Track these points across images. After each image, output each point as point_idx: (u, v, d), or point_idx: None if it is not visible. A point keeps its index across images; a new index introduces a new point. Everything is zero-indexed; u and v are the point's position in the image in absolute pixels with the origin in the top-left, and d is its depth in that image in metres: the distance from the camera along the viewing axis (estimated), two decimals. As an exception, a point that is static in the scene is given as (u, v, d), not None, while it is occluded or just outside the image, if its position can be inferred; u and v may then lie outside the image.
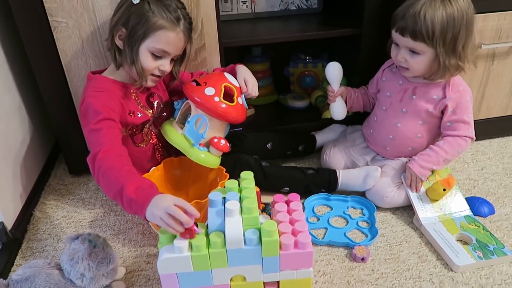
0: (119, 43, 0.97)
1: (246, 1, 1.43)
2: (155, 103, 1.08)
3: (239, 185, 0.85)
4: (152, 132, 1.08)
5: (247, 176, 0.87)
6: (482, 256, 0.94)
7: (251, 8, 1.45)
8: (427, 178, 1.10)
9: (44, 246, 1.03)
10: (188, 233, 0.75)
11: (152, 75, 1.01)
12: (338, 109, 1.21)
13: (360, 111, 1.29)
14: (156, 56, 0.97)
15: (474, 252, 0.95)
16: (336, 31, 1.33)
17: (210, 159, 1.01)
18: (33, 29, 1.06)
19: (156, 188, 0.83)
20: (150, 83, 1.03)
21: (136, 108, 1.04)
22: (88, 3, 1.05)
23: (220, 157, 1.04)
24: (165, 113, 1.11)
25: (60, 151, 1.40)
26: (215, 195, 0.80)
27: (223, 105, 1.00)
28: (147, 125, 1.06)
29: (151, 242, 1.04)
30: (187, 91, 1.01)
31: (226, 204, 0.78)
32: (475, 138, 1.10)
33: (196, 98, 0.99)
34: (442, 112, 1.10)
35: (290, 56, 1.61)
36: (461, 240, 1.00)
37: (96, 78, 1.01)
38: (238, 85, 1.05)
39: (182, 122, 1.06)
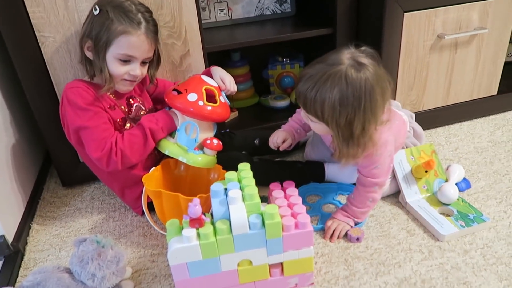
0: (88, 54, 1.01)
1: (224, 9, 1.50)
2: (134, 105, 1.12)
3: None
4: None
5: (245, 167, 0.92)
6: (464, 225, 1.02)
7: (228, 15, 1.51)
8: (413, 156, 1.16)
9: (47, 256, 1.05)
10: (197, 223, 0.79)
11: (124, 80, 1.04)
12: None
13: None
14: (123, 61, 1.00)
15: (456, 222, 1.03)
16: (310, 31, 1.41)
17: (207, 160, 1.05)
18: (20, 45, 1.08)
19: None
20: (124, 88, 1.07)
21: (115, 104, 1.07)
22: (74, 17, 1.08)
23: (216, 156, 1.08)
24: None
25: (48, 165, 1.41)
26: (217, 186, 0.84)
27: (209, 108, 1.04)
28: (127, 122, 1.09)
29: (153, 242, 1.07)
30: (171, 101, 1.04)
31: (229, 193, 0.82)
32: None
33: (181, 106, 1.03)
34: None
35: (268, 59, 1.68)
36: (444, 213, 1.08)
37: (70, 82, 1.05)
38: (216, 85, 1.10)
39: None
